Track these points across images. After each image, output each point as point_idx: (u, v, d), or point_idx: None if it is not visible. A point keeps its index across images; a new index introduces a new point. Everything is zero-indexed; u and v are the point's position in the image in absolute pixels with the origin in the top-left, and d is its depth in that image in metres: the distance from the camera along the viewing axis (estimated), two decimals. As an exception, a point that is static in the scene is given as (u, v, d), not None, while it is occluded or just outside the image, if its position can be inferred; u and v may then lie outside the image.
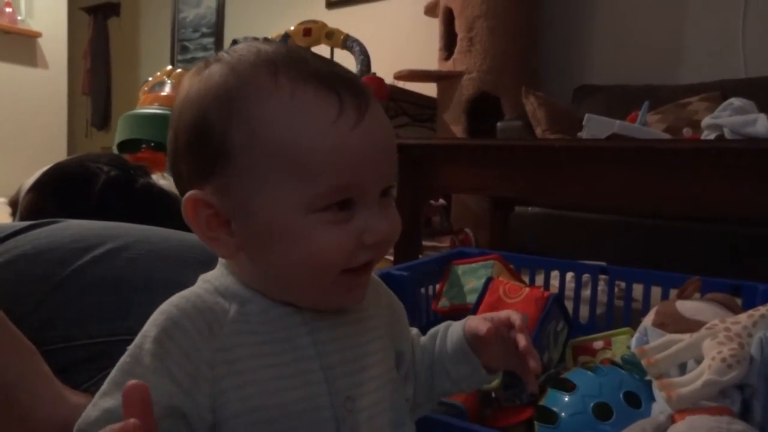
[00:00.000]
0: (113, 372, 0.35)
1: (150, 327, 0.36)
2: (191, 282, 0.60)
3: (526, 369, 0.45)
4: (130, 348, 0.36)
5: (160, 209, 0.79)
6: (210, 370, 0.35)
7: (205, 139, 0.37)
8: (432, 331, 0.51)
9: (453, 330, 0.49)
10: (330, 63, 0.40)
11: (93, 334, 0.54)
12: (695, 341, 0.65)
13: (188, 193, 0.38)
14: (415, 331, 0.51)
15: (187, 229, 0.69)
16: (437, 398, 0.51)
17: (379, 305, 0.46)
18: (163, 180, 0.88)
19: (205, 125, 0.37)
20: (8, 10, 3.86)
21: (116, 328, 0.54)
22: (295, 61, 0.38)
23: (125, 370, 0.35)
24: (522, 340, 0.45)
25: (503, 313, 0.47)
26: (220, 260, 0.42)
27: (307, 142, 0.36)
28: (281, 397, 0.37)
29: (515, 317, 0.46)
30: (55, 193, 0.77)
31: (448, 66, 2.64)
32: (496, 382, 0.76)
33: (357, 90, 0.38)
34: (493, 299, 0.88)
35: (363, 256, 0.38)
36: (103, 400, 0.34)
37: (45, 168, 0.82)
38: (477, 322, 0.47)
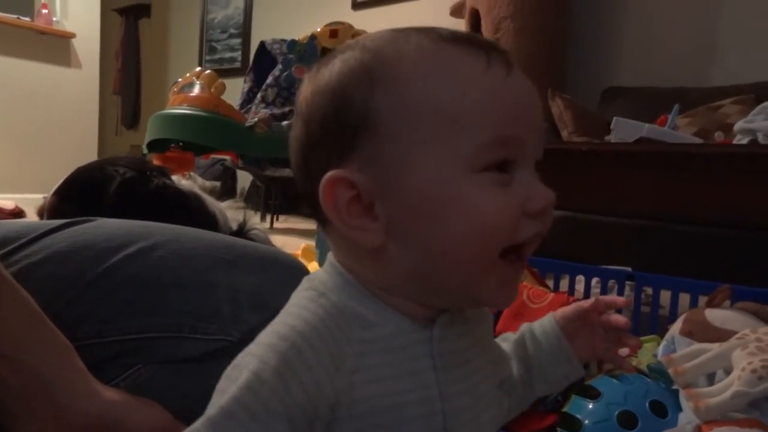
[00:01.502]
0: (226, 401, 0.31)
1: (268, 352, 0.31)
2: (219, 280, 0.61)
3: (614, 353, 0.45)
4: (245, 369, 0.31)
5: (175, 209, 0.80)
6: (329, 412, 0.32)
7: (344, 113, 0.34)
8: (512, 338, 0.47)
9: (542, 330, 0.46)
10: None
11: (124, 330, 0.55)
12: (725, 351, 0.64)
13: (326, 175, 0.34)
14: None
15: (204, 227, 0.71)
16: (529, 404, 0.48)
17: (484, 328, 0.42)
18: (185, 181, 0.90)
19: (345, 100, 0.34)
20: (44, 11, 3.97)
21: (146, 325, 0.56)
22: (432, 29, 0.36)
23: (242, 404, 0.30)
24: (621, 319, 0.44)
25: (593, 301, 0.46)
26: (332, 264, 0.37)
27: (460, 94, 0.33)
28: None
29: (608, 299, 0.45)
30: (74, 197, 0.80)
31: (474, 67, 2.63)
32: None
33: (499, 48, 0.35)
34: (517, 304, 0.88)
35: (529, 227, 0.34)
36: (208, 429, 0.30)
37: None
38: (570, 308, 0.46)
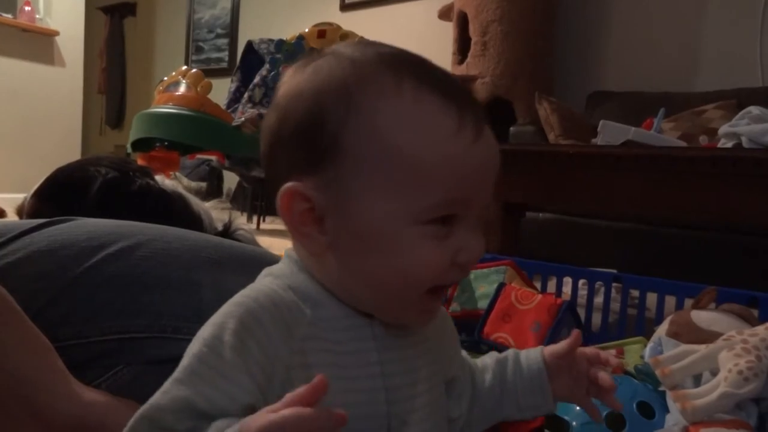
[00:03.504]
0: (187, 360, 0.33)
1: (227, 318, 0.34)
2: (204, 281, 0.60)
3: (590, 405, 0.46)
4: (204, 337, 0.34)
5: (158, 209, 0.79)
6: (285, 372, 0.34)
7: (317, 129, 0.36)
8: (497, 356, 0.49)
9: (528, 358, 0.47)
10: (449, 74, 0.39)
11: (105, 331, 0.54)
12: (711, 352, 0.64)
13: (287, 185, 0.36)
14: (464, 353, 0.50)
15: (189, 228, 0.70)
16: (497, 422, 0.49)
17: (435, 327, 0.45)
18: (169, 180, 0.88)
19: (320, 116, 0.36)
20: (27, 8, 3.91)
21: (128, 325, 0.55)
22: (418, 68, 0.37)
23: (203, 361, 0.33)
24: (607, 380, 0.44)
25: (589, 348, 0.46)
26: (289, 255, 0.41)
27: (428, 151, 0.35)
28: (345, 411, 0.35)
29: (604, 355, 0.46)
30: (54, 198, 0.78)
31: (462, 70, 2.64)
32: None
33: (475, 107, 0.37)
34: (505, 305, 0.87)
35: (453, 275, 0.37)
36: (177, 388, 0.32)
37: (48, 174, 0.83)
38: (559, 346, 0.46)
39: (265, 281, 0.39)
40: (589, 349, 0.46)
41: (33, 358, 0.47)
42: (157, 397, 0.33)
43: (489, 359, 0.49)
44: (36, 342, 0.48)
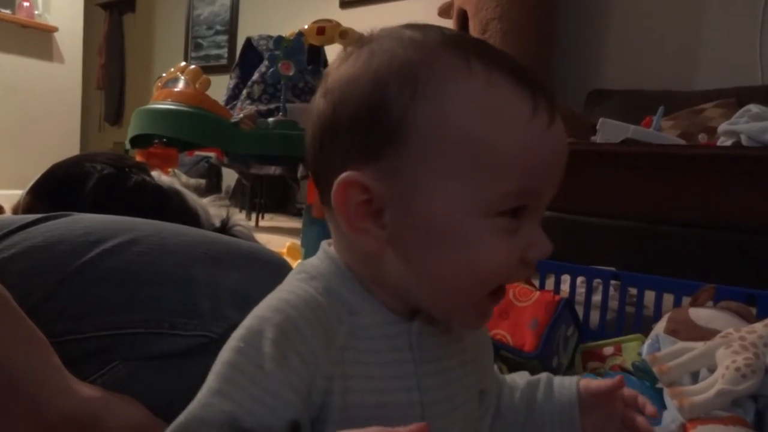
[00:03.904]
0: (227, 370, 0.32)
1: (264, 325, 0.32)
2: (200, 276, 0.60)
3: None
4: (241, 346, 0.32)
5: (155, 205, 0.78)
6: (325, 383, 0.32)
7: (378, 115, 0.33)
8: (529, 378, 0.47)
9: (561, 385, 0.45)
10: (514, 58, 0.36)
11: (101, 326, 0.53)
12: (709, 349, 0.64)
13: (343, 175, 0.33)
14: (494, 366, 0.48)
15: (185, 224, 0.69)
16: None
17: (474, 337, 0.43)
18: (166, 177, 0.88)
19: (383, 100, 0.33)
20: (26, 4, 3.90)
21: (124, 321, 0.54)
22: (486, 50, 0.34)
23: (244, 372, 0.31)
24: (645, 425, 0.42)
25: (627, 390, 0.43)
26: (326, 251, 0.38)
27: (502, 136, 0.32)
28: (379, 425, 0.33)
29: (642, 399, 0.43)
30: (50, 195, 0.76)
31: (461, 68, 2.63)
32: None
33: (548, 92, 0.34)
34: (504, 303, 0.87)
35: (520, 273, 0.35)
36: (220, 401, 0.31)
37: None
38: (597, 381, 0.44)
39: (299, 283, 0.36)
40: (627, 391, 0.43)
41: (28, 354, 0.47)
42: (196, 409, 0.31)
43: (519, 378, 0.47)
44: (31, 337, 0.48)
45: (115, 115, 5.25)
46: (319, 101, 0.37)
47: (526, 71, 0.35)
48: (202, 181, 3.81)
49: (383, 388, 0.35)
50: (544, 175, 0.34)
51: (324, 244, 0.39)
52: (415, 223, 0.34)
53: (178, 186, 0.85)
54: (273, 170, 3.26)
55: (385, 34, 0.36)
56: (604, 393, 0.43)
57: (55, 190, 0.77)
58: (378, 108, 0.33)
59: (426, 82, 0.33)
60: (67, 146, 4.02)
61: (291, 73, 2.44)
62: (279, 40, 2.48)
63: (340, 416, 0.33)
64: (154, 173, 0.83)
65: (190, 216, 0.83)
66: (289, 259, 0.98)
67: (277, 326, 0.32)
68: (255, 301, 0.36)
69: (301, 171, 3.05)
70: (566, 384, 0.44)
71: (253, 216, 3.29)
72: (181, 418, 0.31)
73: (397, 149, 0.33)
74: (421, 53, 0.34)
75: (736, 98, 2.03)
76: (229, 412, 0.30)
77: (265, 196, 3.44)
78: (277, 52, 2.47)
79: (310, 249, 1.74)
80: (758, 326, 0.65)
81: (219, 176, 4.16)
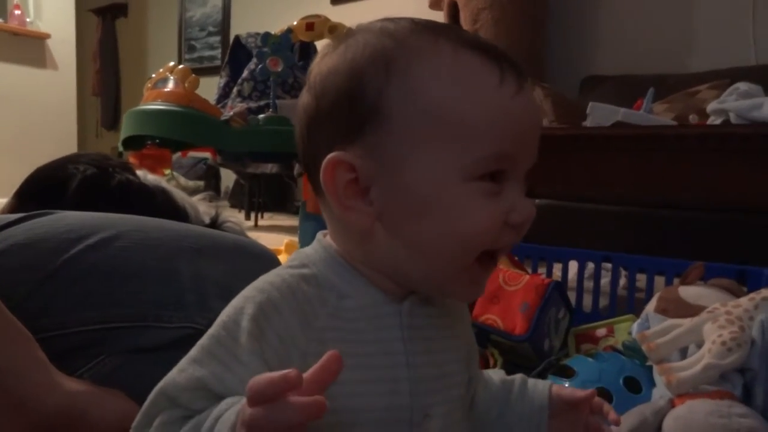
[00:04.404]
0: (206, 341, 0.34)
1: (246, 303, 0.34)
2: (184, 269, 0.60)
3: None
4: (224, 320, 0.34)
5: (139, 204, 0.78)
6: (302, 360, 0.33)
7: (356, 98, 0.35)
8: (503, 377, 0.48)
9: (534, 386, 0.46)
10: (483, 38, 0.39)
11: (86, 321, 0.54)
12: (696, 325, 0.64)
13: (329, 156, 0.35)
14: None
15: (169, 219, 0.69)
16: None
17: (463, 327, 0.44)
18: (152, 175, 0.88)
19: (359, 83, 0.35)
20: (17, 12, 3.89)
21: (109, 315, 0.55)
22: (454, 31, 0.37)
23: (221, 343, 0.34)
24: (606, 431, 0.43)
25: (598, 400, 0.45)
26: (319, 240, 0.40)
27: (471, 105, 0.35)
28: (365, 401, 0.35)
29: (607, 407, 0.44)
30: (34, 197, 0.76)
31: (453, 59, 2.63)
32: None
33: (514, 62, 0.37)
34: (493, 287, 0.87)
35: (506, 237, 0.36)
36: (194, 368, 0.33)
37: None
38: (569, 389, 0.45)
39: (288, 269, 0.38)
40: (595, 399, 0.44)
41: (13, 350, 0.47)
42: (174, 376, 0.33)
43: (495, 376, 0.48)
44: (16, 333, 0.48)
45: (112, 120, 5.25)
46: (304, 96, 0.39)
47: (495, 47, 0.37)
48: (201, 183, 3.81)
49: (368, 364, 0.36)
50: (516, 139, 0.36)
51: (319, 234, 0.41)
52: (399, 195, 0.35)
53: (164, 184, 0.85)
54: (269, 168, 3.26)
55: (361, 29, 0.39)
56: (576, 402, 0.44)
57: (40, 192, 0.77)
58: (355, 92, 0.35)
59: (397, 62, 0.35)
60: (64, 153, 3.98)
61: (279, 69, 2.44)
62: (266, 36, 2.48)
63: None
64: (140, 172, 0.83)
65: (177, 213, 0.83)
66: (287, 256, 0.98)
67: (258, 304, 0.34)
68: None
69: (297, 169, 3.05)
70: (539, 388, 0.46)
71: (253, 215, 3.29)
72: (161, 383, 0.34)
73: (377, 127, 0.35)
74: (392, 39, 0.36)
75: (730, 79, 2.02)
76: (200, 378, 0.32)
77: (264, 195, 3.44)
78: (264, 49, 2.46)
79: (306, 244, 1.74)
80: (743, 300, 0.65)
81: (217, 178, 4.17)
